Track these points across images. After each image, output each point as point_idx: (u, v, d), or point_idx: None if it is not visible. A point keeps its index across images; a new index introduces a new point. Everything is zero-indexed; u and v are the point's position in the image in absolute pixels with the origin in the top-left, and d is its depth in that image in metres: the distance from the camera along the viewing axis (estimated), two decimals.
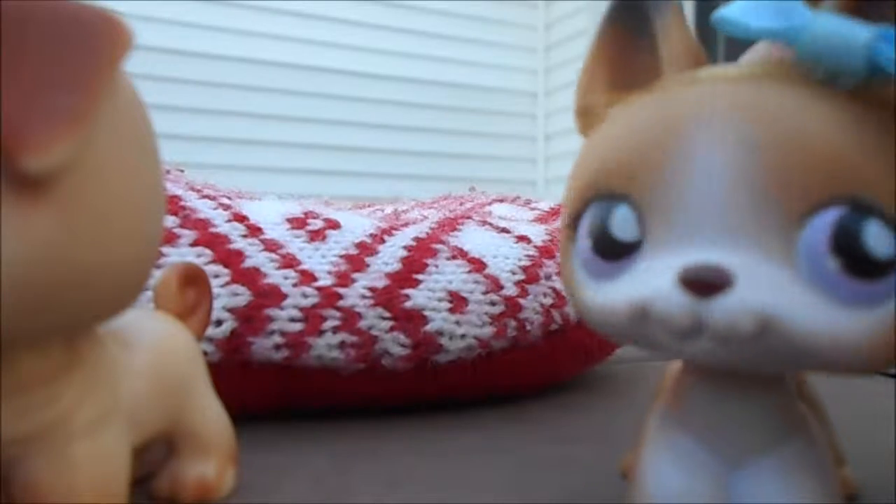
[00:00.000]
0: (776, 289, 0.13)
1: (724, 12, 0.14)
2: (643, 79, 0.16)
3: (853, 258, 0.13)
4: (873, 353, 0.13)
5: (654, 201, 0.14)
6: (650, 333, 0.14)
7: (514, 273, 0.32)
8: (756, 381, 0.16)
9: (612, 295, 0.15)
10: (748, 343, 0.13)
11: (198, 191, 0.31)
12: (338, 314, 0.29)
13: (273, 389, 0.29)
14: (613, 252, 0.15)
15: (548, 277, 0.33)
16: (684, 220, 0.14)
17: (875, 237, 0.13)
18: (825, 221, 0.13)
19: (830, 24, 0.13)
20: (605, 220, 0.15)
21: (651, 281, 0.14)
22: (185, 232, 0.29)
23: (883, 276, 0.13)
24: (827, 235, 0.13)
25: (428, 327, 0.30)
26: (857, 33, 0.13)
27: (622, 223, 0.15)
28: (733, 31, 0.14)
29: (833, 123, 0.13)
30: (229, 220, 0.30)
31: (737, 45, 0.16)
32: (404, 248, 0.31)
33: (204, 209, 0.30)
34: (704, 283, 0.13)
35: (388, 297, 0.29)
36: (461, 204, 0.45)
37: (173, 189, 0.30)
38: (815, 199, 0.13)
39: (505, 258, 0.33)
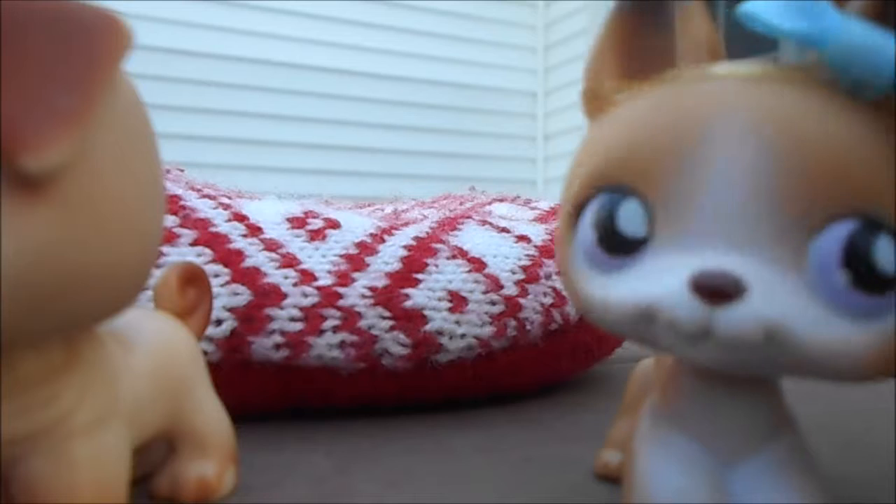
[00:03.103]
0: (786, 300, 0.13)
1: (751, 8, 0.13)
2: (656, 68, 0.15)
3: (862, 273, 0.13)
4: (872, 364, 0.13)
5: (667, 200, 0.14)
6: (654, 334, 0.14)
7: (514, 273, 0.32)
8: (746, 380, 0.16)
9: (617, 291, 0.14)
10: (754, 351, 0.13)
11: (198, 191, 0.31)
12: (338, 314, 0.29)
13: (273, 389, 0.29)
14: (618, 246, 0.15)
15: (548, 277, 0.33)
16: (698, 222, 0.14)
17: (884, 253, 0.13)
18: (838, 234, 0.13)
19: (861, 30, 0.13)
20: (612, 213, 0.15)
21: (661, 281, 0.13)
22: (185, 231, 0.29)
23: (887, 291, 0.13)
24: (839, 249, 0.13)
25: (428, 327, 0.30)
26: (889, 43, 0.13)
27: (630, 218, 0.14)
28: (760, 29, 0.13)
29: (854, 135, 0.13)
30: (229, 220, 0.30)
31: (736, 40, 0.16)
32: (404, 247, 0.31)
33: (204, 209, 0.30)
34: (717, 291, 0.13)
35: (388, 296, 0.29)
36: (461, 203, 0.45)
37: (173, 189, 0.30)
38: (831, 212, 0.13)
39: (505, 258, 0.33)
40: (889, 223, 0.13)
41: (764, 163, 0.13)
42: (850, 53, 0.13)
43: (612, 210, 0.15)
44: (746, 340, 0.13)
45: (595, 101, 0.16)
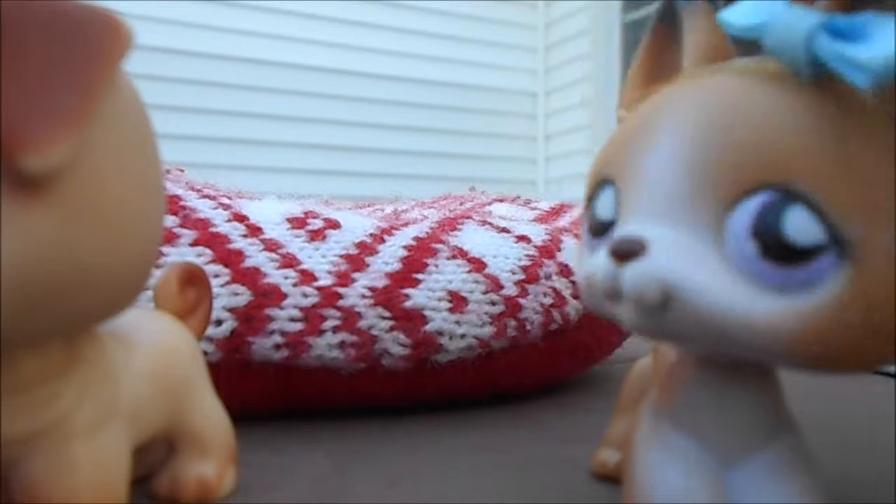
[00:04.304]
0: (690, 262, 0.13)
1: (723, 13, 0.14)
2: (667, 75, 0.17)
3: (770, 242, 0.13)
4: (799, 342, 0.13)
5: (625, 184, 0.15)
6: (598, 302, 0.15)
7: (513, 273, 0.32)
8: (746, 379, 0.16)
9: (584, 268, 0.16)
10: (658, 311, 0.14)
11: (198, 191, 0.31)
12: (338, 314, 0.29)
13: (273, 389, 0.29)
14: (598, 230, 0.16)
15: (548, 277, 0.33)
16: (638, 200, 0.15)
17: (796, 224, 0.13)
18: (752, 206, 0.13)
19: (788, 17, 0.13)
20: (594, 202, 0.16)
21: (601, 254, 0.15)
22: (185, 232, 0.29)
23: (803, 264, 0.13)
24: (750, 219, 0.13)
25: (428, 327, 0.30)
26: (799, 24, 0.13)
27: (604, 204, 0.16)
28: (727, 31, 0.14)
29: (782, 114, 0.13)
30: (229, 220, 0.30)
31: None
32: (404, 247, 0.31)
33: (204, 209, 0.30)
34: (622, 252, 0.14)
35: (388, 296, 0.29)
36: (461, 204, 0.45)
37: (173, 189, 0.30)
38: (750, 185, 0.13)
39: (505, 258, 0.33)
40: (810, 196, 0.13)
41: (693, 143, 0.14)
42: (774, 40, 0.13)
43: (595, 200, 0.16)
44: (645, 295, 0.14)
45: (624, 111, 0.18)
